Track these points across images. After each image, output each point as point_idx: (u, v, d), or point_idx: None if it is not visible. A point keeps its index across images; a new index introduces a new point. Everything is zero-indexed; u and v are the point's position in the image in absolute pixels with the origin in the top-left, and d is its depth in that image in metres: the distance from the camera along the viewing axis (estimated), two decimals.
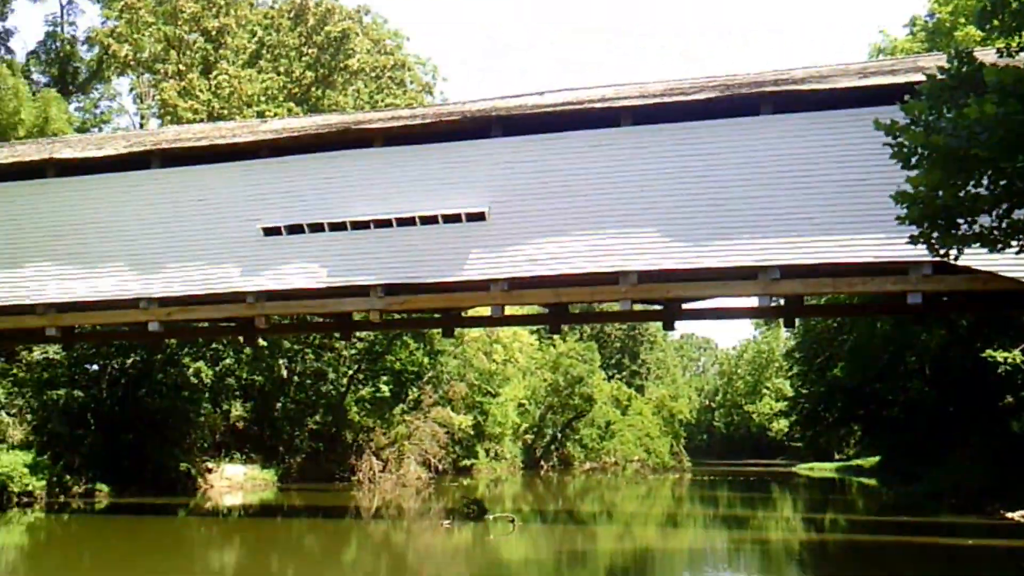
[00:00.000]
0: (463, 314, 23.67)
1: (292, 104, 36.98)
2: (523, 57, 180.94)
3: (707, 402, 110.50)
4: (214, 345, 33.11)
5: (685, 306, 20.35)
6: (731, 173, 16.41)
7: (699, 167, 16.57)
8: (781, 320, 23.74)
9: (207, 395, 33.22)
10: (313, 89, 39.14)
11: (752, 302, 18.23)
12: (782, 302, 19.70)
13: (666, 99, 16.81)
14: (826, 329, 44.39)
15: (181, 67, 37.82)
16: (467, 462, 48.16)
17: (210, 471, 32.44)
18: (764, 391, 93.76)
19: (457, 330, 32.09)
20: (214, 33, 38.15)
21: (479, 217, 17.55)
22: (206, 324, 24.18)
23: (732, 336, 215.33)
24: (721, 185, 16.42)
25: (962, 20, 31.31)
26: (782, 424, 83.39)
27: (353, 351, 37.93)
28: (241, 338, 26.88)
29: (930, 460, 34.16)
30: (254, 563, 16.94)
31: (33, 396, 28.70)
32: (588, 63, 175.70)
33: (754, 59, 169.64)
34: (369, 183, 18.30)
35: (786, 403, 71.88)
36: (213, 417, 34.02)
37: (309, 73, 38.92)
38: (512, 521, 21.25)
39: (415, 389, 41.03)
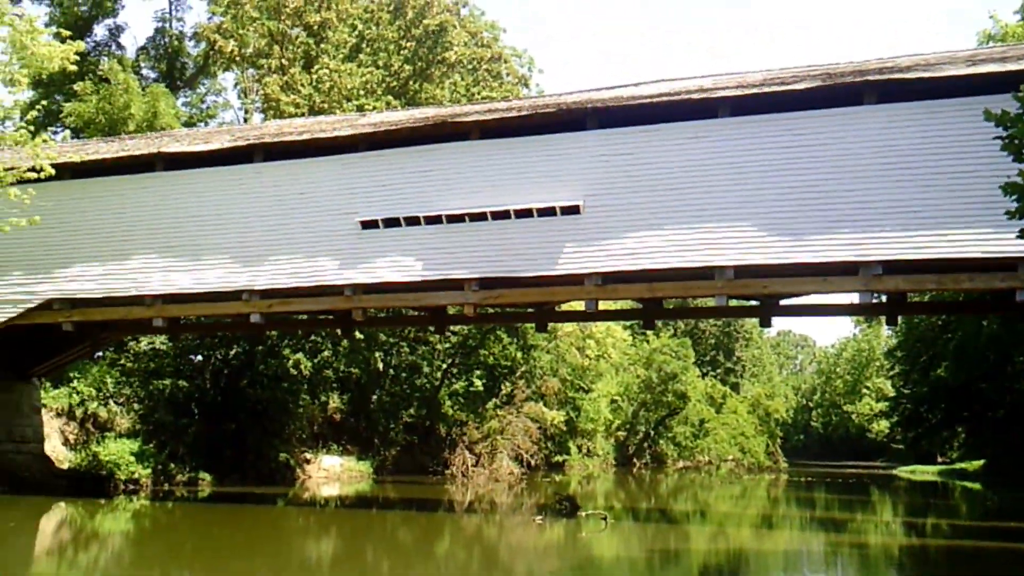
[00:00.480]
0: (556, 308, 23.65)
1: (390, 97, 37.37)
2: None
3: (804, 401, 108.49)
4: (313, 337, 33.71)
5: (783, 302, 19.99)
6: (832, 165, 16.04)
7: (799, 159, 16.23)
8: (883, 317, 23.10)
9: (306, 386, 33.82)
10: (411, 82, 39.51)
11: (853, 298, 17.78)
12: (884, 299, 19.18)
13: (765, 89, 16.52)
14: (930, 327, 43.17)
15: (284, 62, 38.62)
16: (559, 458, 48.16)
17: (308, 462, 33.04)
18: (864, 391, 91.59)
19: (550, 325, 32.10)
20: (316, 28, 38.86)
21: (574, 210, 17.51)
22: (305, 316, 24.64)
23: (831, 333, 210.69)
24: (822, 177, 16.07)
25: None
26: (882, 425, 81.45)
27: (447, 345, 38.23)
28: (339, 330, 27.34)
29: None
30: (349, 553, 17.20)
31: (140, 386, 29.55)
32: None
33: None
34: (465, 176, 18.43)
35: (887, 403, 70.20)
36: (311, 408, 34.65)
37: (407, 66, 39.32)
38: (604, 518, 21.15)
39: (508, 384, 41.18)
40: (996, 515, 28.29)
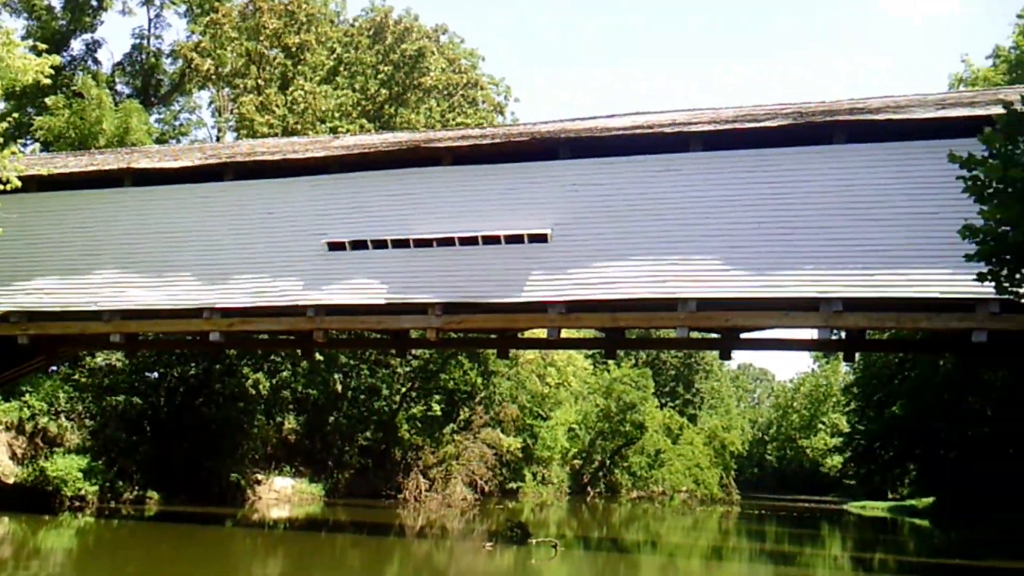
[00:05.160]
0: (519, 335, 23.65)
1: (365, 121, 37.33)
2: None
3: (760, 434, 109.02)
4: (272, 357, 33.43)
5: (743, 336, 20.13)
6: (799, 202, 16.22)
7: (767, 195, 16.40)
8: (841, 354, 23.36)
9: (262, 407, 33.50)
10: (386, 107, 39.50)
11: (812, 334, 18.00)
12: (843, 335, 19.41)
13: (738, 125, 16.70)
14: (887, 365, 43.66)
15: (260, 82, 38.51)
16: (514, 485, 48.02)
17: (259, 483, 32.68)
18: (820, 426, 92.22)
19: (512, 351, 32.09)
20: (294, 49, 38.80)
21: (542, 239, 17.56)
22: (266, 336, 24.41)
23: (790, 368, 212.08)
24: (788, 213, 16.24)
25: None
26: (836, 460, 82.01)
27: (408, 368, 38.08)
28: (299, 351, 27.13)
29: (987, 504, 33.24)
30: None
31: (92, 401, 29.13)
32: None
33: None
34: (435, 202, 18.41)
35: (841, 439, 70.77)
36: (266, 429, 34.31)
37: (383, 90, 39.30)
38: (555, 546, 21.08)
39: (467, 409, 41.07)
40: (943, 552, 28.58)
